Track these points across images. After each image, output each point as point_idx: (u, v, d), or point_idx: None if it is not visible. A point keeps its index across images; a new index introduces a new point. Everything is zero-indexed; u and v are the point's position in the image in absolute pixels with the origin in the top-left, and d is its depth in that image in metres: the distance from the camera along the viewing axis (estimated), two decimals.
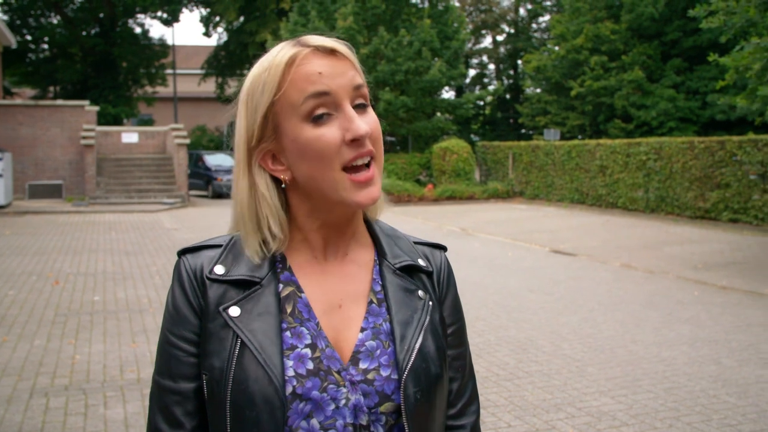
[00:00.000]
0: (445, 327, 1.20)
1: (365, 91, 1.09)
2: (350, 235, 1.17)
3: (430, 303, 1.17)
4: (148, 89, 37.61)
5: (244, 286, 1.09)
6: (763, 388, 5.23)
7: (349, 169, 1.05)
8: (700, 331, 6.89)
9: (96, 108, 23.35)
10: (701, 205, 16.31)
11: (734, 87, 14.49)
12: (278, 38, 27.12)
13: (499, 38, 41.24)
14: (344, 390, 1.06)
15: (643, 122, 25.75)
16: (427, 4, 26.91)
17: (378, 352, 1.10)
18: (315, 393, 1.05)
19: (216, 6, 35.37)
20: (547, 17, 38.37)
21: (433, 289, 1.21)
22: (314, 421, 1.04)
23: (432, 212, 19.19)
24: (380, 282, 1.16)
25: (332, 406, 1.05)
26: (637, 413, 4.76)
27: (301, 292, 1.12)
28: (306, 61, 1.06)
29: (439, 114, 26.78)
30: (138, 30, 36.42)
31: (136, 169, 23.31)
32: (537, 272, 10.21)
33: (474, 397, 1.25)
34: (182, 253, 1.15)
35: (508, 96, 39.06)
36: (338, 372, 1.07)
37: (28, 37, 33.72)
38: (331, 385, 1.06)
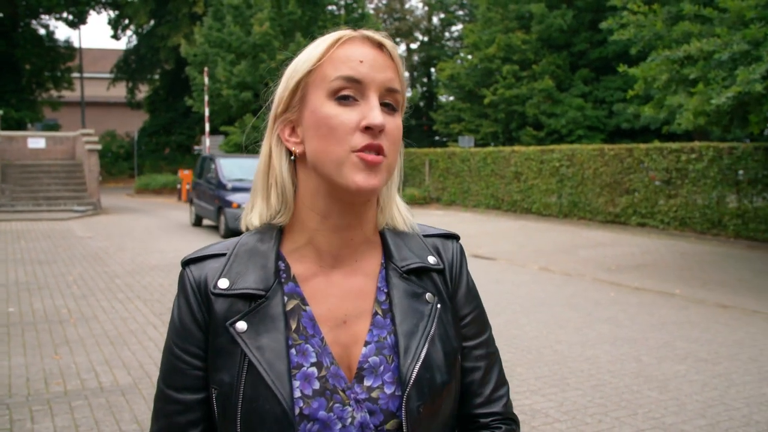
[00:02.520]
0: (458, 324, 1.19)
1: (399, 97, 1.10)
2: (360, 240, 1.14)
3: (439, 306, 1.15)
4: (54, 93, 36.24)
5: (250, 299, 1.08)
6: (681, 383, 5.52)
7: (359, 150, 1.04)
8: (619, 330, 7.19)
9: None
10: (611, 210, 16.98)
11: (639, 97, 15.18)
12: (192, 43, 26.66)
13: (413, 46, 41.83)
14: (349, 409, 1.05)
15: (554, 130, 26.62)
16: (343, 12, 27.04)
17: (382, 368, 1.08)
18: (322, 413, 1.04)
19: (125, 9, 34.48)
20: (459, 26, 39.20)
21: (445, 286, 1.19)
22: None
23: None
24: (385, 290, 1.13)
25: (339, 426, 1.04)
26: (568, 410, 4.94)
27: (306, 305, 1.10)
28: (352, 43, 1.08)
29: None
30: (42, 31, 35.12)
31: (44, 175, 22.41)
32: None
33: (501, 382, 1.23)
34: (186, 263, 1.13)
35: (422, 103, 39.61)
36: (343, 390, 1.06)
37: None
38: (336, 404, 1.05)
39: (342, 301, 1.11)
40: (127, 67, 38.72)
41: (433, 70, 39.18)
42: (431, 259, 1.18)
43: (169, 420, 1.11)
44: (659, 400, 5.13)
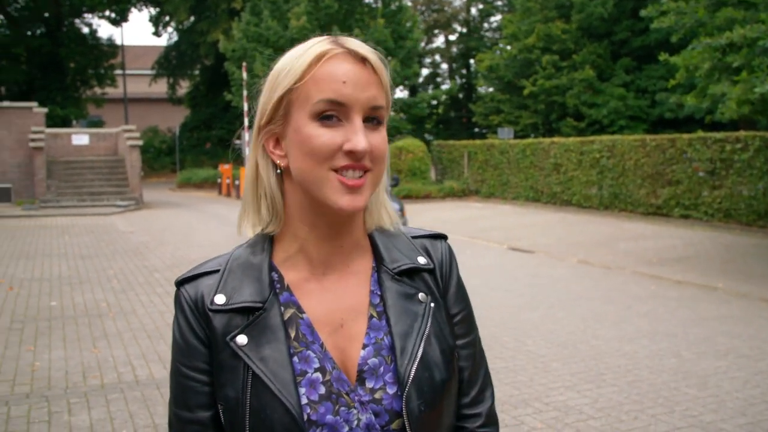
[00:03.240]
0: (451, 322, 1.20)
1: (383, 112, 1.09)
2: (350, 246, 1.15)
3: (432, 305, 1.16)
4: (97, 90, 36.91)
5: (248, 312, 1.08)
6: (721, 379, 5.39)
7: (340, 170, 1.04)
8: (659, 324, 7.05)
9: (44, 110, 22.81)
10: (653, 202, 16.67)
11: (682, 86, 14.85)
12: (230, 38, 26.88)
13: (452, 38, 41.58)
14: (355, 411, 1.06)
15: (595, 120, 26.23)
16: (380, 4, 26.98)
17: (381, 369, 1.10)
18: (329, 417, 1.05)
19: (166, 5, 34.87)
20: (498, 17, 38.80)
21: (436, 285, 1.20)
22: None
23: None
24: (378, 293, 1.15)
25: (346, 428, 1.05)
26: (603, 407, 4.85)
27: (303, 312, 1.11)
28: (335, 60, 1.06)
29: (393, 113, 26.84)
30: (86, 30, 35.76)
31: (87, 171, 22.84)
32: (496, 270, 10.32)
33: (487, 383, 1.24)
34: (180, 283, 1.13)
35: (461, 95, 39.37)
36: (347, 394, 1.07)
37: None
38: (342, 408, 1.06)
39: (337, 306, 1.12)
40: (168, 64, 39.23)
41: (472, 61, 38.88)
42: (421, 260, 1.19)
43: None
44: (698, 397, 5.01)
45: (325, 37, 1.10)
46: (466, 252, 12.07)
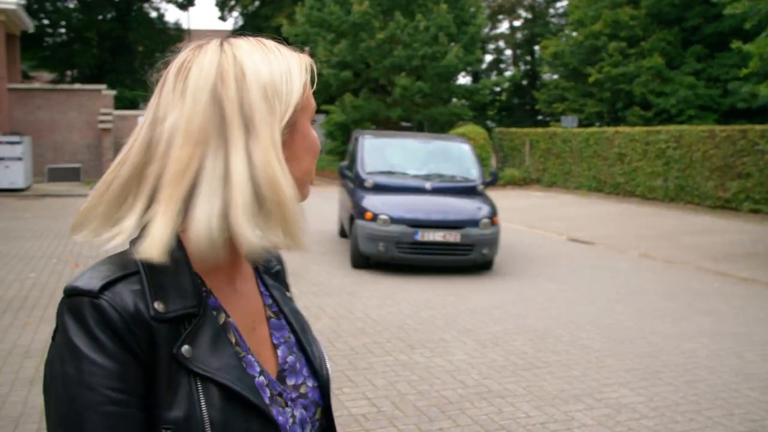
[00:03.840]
0: None
1: None
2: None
3: (294, 302, 1.23)
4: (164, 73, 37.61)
5: (184, 320, 0.97)
6: None
7: None
8: (721, 323, 6.82)
9: (113, 92, 23.38)
10: (721, 195, 16.14)
11: (756, 75, 14.28)
12: (293, 23, 27.03)
13: (516, 23, 40.96)
14: (289, 410, 1.07)
15: (663, 110, 25.51)
16: None
17: (298, 365, 1.12)
18: (280, 419, 1.03)
19: None
20: (564, 2, 38.00)
21: (286, 287, 1.25)
22: None
23: None
24: (268, 294, 1.16)
25: (288, 426, 1.05)
26: (657, 406, 4.72)
27: (229, 317, 1.04)
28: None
29: (455, 100, 26.63)
30: (154, 14, 36.46)
31: None
32: (555, 261, 10.15)
33: None
34: (99, 291, 0.93)
35: (524, 82, 38.81)
36: (279, 394, 1.06)
37: (45, 22, 33.80)
38: (281, 408, 1.05)
39: (247, 309, 1.10)
40: None
41: (536, 48, 38.26)
42: (275, 263, 1.24)
43: None
44: (760, 401, 4.82)
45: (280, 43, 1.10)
46: (524, 242, 11.91)
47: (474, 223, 8.84)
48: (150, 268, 0.96)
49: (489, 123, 37.04)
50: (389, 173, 9.99)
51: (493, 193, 21.80)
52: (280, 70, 1.04)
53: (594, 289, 8.30)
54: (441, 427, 4.31)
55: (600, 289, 8.30)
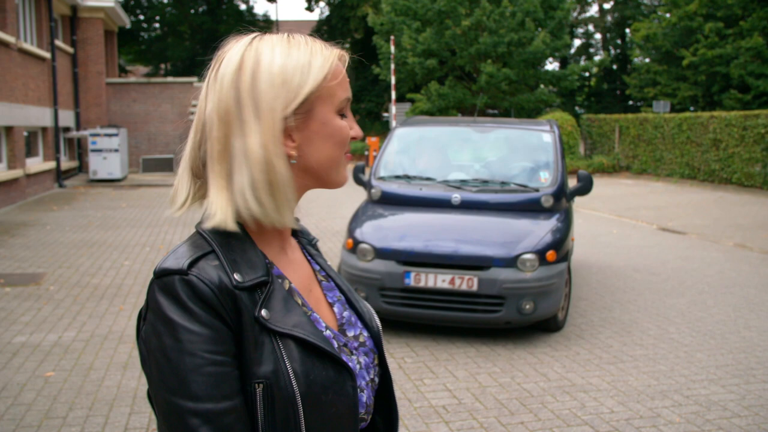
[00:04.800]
0: None
1: None
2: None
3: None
4: None
5: (258, 288, 1.11)
6: None
7: (345, 153, 1.22)
8: None
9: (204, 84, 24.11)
10: None
11: None
12: (379, 12, 27.11)
13: (606, 6, 39.79)
14: (355, 357, 1.21)
15: (762, 92, 24.33)
16: None
17: (353, 319, 1.28)
18: (350, 364, 1.17)
19: None
20: None
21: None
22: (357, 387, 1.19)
23: None
24: (314, 261, 1.32)
25: (357, 371, 1.20)
26: (751, 404, 4.53)
27: (291, 283, 1.19)
28: (342, 61, 1.22)
29: (542, 86, 26.16)
30: (243, 7, 37.28)
31: None
32: (643, 251, 9.87)
33: None
34: (188, 268, 1.06)
35: (614, 67, 37.73)
36: (344, 345, 1.21)
37: (141, 17, 35.10)
38: (348, 356, 1.19)
39: (301, 275, 1.24)
40: (320, 38, 39.70)
41: (627, 30, 37.08)
42: (313, 237, 1.39)
43: None
44: None
45: (317, 39, 1.22)
46: (612, 231, 11.62)
47: (506, 260, 5.57)
48: (221, 246, 1.12)
49: (577, 109, 36.22)
50: (408, 178, 6.77)
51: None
52: (296, 62, 1.16)
53: (685, 280, 8.03)
54: (522, 420, 4.28)
55: (691, 280, 8.02)
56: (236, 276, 1.08)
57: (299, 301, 1.16)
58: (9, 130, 14.29)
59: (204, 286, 1.05)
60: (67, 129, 20.08)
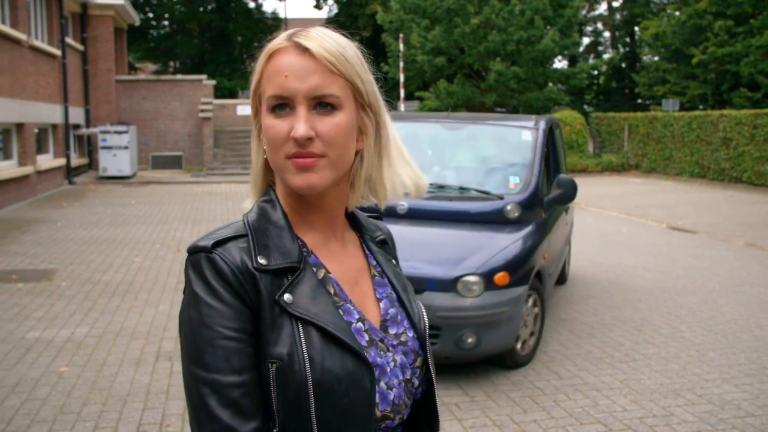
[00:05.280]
0: None
1: (332, 99, 1.16)
2: (338, 218, 1.28)
3: (400, 268, 1.39)
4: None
5: (286, 273, 1.14)
6: None
7: (292, 156, 1.14)
8: None
9: (213, 82, 24.10)
10: None
11: None
12: (388, 9, 27.09)
13: (615, 4, 39.65)
14: (390, 354, 1.21)
15: None
16: None
17: (399, 317, 1.28)
18: (378, 359, 1.18)
19: None
20: None
21: (393, 255, 1.42)
22: (382, 383, 1.18)
23: None
24: (372, 256, 1.33)
25: (389, 369, 1.20)
26: (765, 404, 4.52)
27: (330, 272, 1.21)
28: (281, 55, 1.16)
29: (551, 84, 26.08)
30: (252, 4, 37.27)
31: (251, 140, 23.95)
32: (653, 249, 9.84)
33: None
34: (212, 247, 1.13)
35: (623, 65, 37.59)
36: (381, 340, 1.22)
37: (150, 15, 35.17)
38: (381, 352, 1.20)
39: (348, 266, 1.26)
40: None
41: (636, 28, 36.95)
42: (380, 233, 1.40)
43: (234, 407, 1.08)
44: None
45: (287, 32, 1.19)
46: (621, 230, 11.59)
47: (442, 283, 4.64)
48: (257, 231, 1.18)
49: (586, 108, 36.11)
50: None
51: (590, 179, 21.31)
52: (258, 60, 1.22)
53: (695, 279, 8.01)
54: (534, 418, 4.28)
55: (701, 279, 8.00)
56: (260, 259, 1.13)
57: (331, 291, 1.18)
58: (20, 127, 14.35)
59: (225, 265, 1.11)
60: (77, 126, 20.14)
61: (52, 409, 4.33)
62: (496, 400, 4.53)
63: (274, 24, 37.72)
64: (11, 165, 14.07)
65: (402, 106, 23.92)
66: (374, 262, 1.32)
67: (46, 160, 16.48)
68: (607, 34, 40.68)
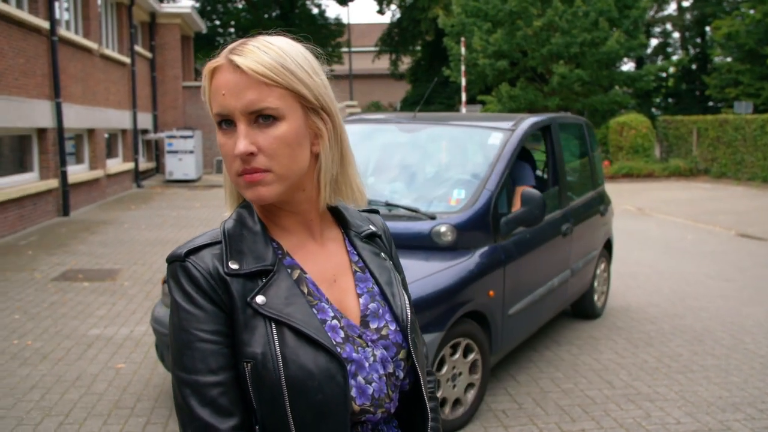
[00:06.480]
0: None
1: (271, 111, 1.16)
2: (316, 218, 1.30)
3: (390, 262, 1.39)
4: (325, 68, 38.82)
5: (260, 276, 1.19)
6: None
7: (242, 173, 1.17)
8: None
9: None
10: None
11: None
12: (450, 13, 27.03)
13: (685, 3, 38.62)
14: (369, 349, 1.24)
15: None
16: None
17: (380, 311, 1.29)
18: (354, 354, 1.21)
19: None
20: None
21: (384, 248, 1.42)
22: (360, 378, 1.21)
23: (607, 190, 18.41)
24: (355, 252, 1.34)
25: (367, 364, 1.22)
26: None
27: (305, 273, 1.25)
28: (219, 74, 1.18)
29: (616, 87, 25.57)
30: (315, 11, 37.75)
31: None
32: (719, 257, 9.53)
33: (423, 341, 1.45)
34: (185, 256, 1.19)
35: (694, 66, 36.58)
36: (359, 336, 1.24)
37: (217, 22, 35.99)
38: (359, 347, 1.22)
39: (327, 265, 1.29)
40: (391, 40, 40.29)
41: (707, 28, 35.91)
42: (372, 227, 1.41)
43: (213, 406, 1.13)
44: None
45: (228, 47, 1.20)
46: (686, 237, 11.28)
47: None
48: (231, 237, 1.22)
49: (654, 111, 35.28)
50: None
51: (655, 185, 20.80)
52: None
53: (763, 289, 7.72)
54: (583, 427, 4.20)
55: None
56: (231, 264, 1.18)
57: (305, 291, 1.22)
58: (91, 132, 14.85)
59: (197, 272, 1.17)
60: (145, 131, 20.74)
61: (108, 403, 4.47)
62: (544, 408, 4.46)
63: (337, 29, 38.09)
64: (83, 169, 14.57)
65: (463, 111, 23.78)
66: (356, 258, 1.34)
67: (116, 164, 17.01)
68: (676, 34, 39.67)
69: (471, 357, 4.21)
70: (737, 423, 4.28)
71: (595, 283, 6.41)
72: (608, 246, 6.81)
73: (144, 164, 20.22)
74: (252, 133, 1.16)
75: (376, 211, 1.49)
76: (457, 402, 4.17)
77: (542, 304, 5.11)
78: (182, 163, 19.62)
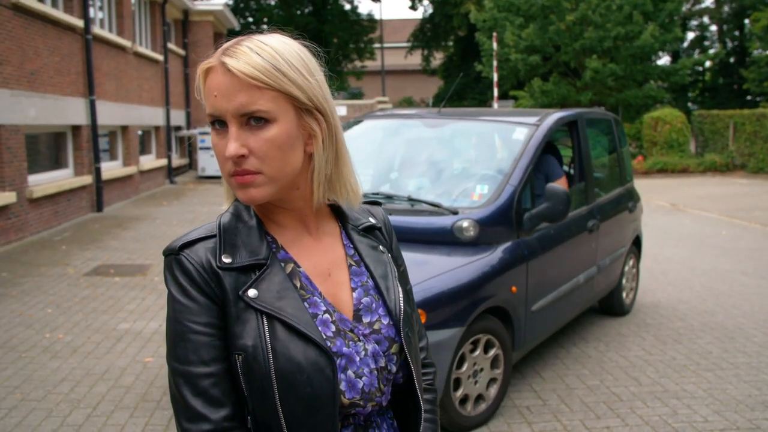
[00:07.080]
0: (398, 272, 1.40)
1: (262, 114, 1.16)
2: (309, 215, 1.30)
3: (389, 255, 1.39)
4: (357, 63, 38.94)
5: (253, 269, 1.20)
6: None
7: (234, 174, 1.18)
8: None
9: None
10: None
11: None
12: (482, 8, 26.88)
13: None
14: (361, 343, 1.25)
15: None
16: None
17: (374, 305, 1.30)
18: (345, 349, 1.21)
19: None
20: None
21: (384, 240, 1.42)
22: (350, 372, 1.21)
23: (640, 186, 17.97)
24: (351, 246, 1.35)
25: (358, 358, 1.23)
26: None
27: (299, 267, 1.26)
28: (212, 75, 1.18)
29: (651, 82, 25.21)
30: (347, 7, 37.82)
31: None
32: (754, 254, 9.36)
33: (421, 324, 1.49)
34: (180, 249, 1.21)
35: (731, 60, 35.91)
36: (351, 330, 1.25)
37: (250, 19, 36.23)
38: (350, 342, 1.23)
39: (322, 259, 1.29)
40: (423, 36, 40.23)
41: (746, 21, 35.22)
42: (372, 219, 1.42)
43: (204, 396, 1.16)
44: None
45: (222, 47, 1.21)
46: (721, 233, 11.08)
47: None
48: (226, 231, 1.24)
49: (690, 105, 34.74)
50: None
51: (690, 180, 20.46)
52: None
53: None
54: (608, 425, 4.16)
55: None
56: (224, 258, 1.20)
57: (298, 285, 1.23)
58: (125, 129, 15.07)
59: (190, 265, 1.20)
60: (178, 128, 20.97)
61: (135, 396, 4.54)
62: (569, 404, 4.43)
63: (369, 25, 38.12)
64: (116, 165, 14.79)
65: (496, 106, 23.64)
66: (351, 252, 1.35)
67: (149, 161, 17.23)
68: (713, 28, 38.97)
69: (492, 352, 4.19)
70: (767, 422, 4.20)
71: (624, 280, 6.34)
72: (637, 243, 6.72)
73: (177, 161, 20.45)
74: (243, 135, 1.16)
75: (378, 203, 1.50)
76: (479, 398, 4.16)
77: (567, 300, 5.06)
78: (215, 159, 19.72)
